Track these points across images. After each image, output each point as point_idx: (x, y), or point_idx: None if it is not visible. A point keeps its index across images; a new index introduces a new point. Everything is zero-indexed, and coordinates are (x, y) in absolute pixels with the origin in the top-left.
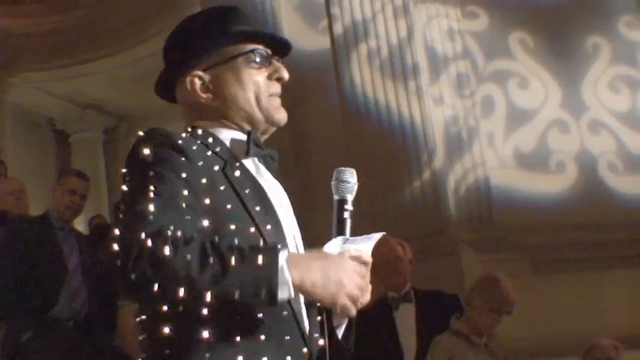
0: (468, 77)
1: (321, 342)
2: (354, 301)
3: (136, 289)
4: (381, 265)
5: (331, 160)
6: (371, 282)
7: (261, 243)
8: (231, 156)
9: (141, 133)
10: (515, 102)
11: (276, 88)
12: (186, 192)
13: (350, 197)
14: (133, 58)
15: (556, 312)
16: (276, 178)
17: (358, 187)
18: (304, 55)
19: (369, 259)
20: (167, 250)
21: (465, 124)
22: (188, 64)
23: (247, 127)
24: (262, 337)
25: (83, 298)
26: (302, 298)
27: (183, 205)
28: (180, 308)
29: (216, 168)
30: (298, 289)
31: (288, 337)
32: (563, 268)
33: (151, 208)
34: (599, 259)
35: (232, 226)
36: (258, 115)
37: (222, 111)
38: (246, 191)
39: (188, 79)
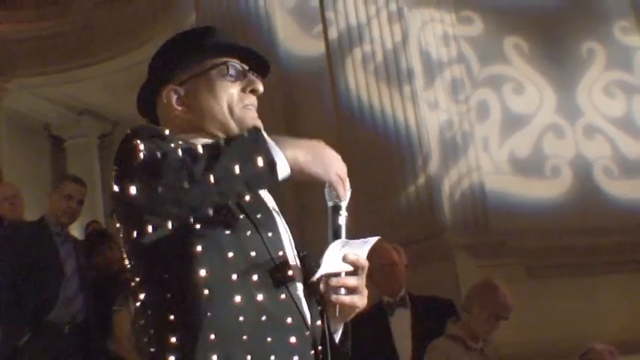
0: (463, 82)
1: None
2: (342, 179)
3: (144, 199)
4: (377, 270)
5: None
6: (366, 287)
7: (261, 242)
8: None
9: (129, 131)
10: (510, 107)
11: (251, 100)
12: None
13: (343, 204)
14: (127, 64)
15: (551, 317)
16: None
17: (353, 192)
18: (299, 59)
19: (365, 263)
20: (159, 153)
21: (460, 128)
22: (164, 79)
23: (223, 137)
24: (263, 317)
25: (79, 303)
26: (300, 288)
27: None
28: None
29: None
30: (293, 162)
31: (289, 320)
32: (558, 273)
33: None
34: (595, 264)
35: (227, 231)
36: (232, 124)
37: (197, 122)
38: (246, 198)
39: (164, 93)
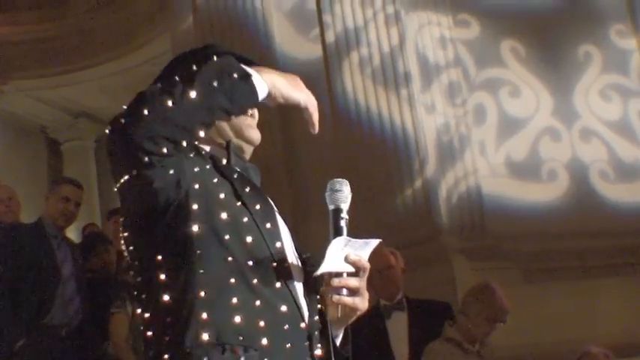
0: (460, 85)
1: (318, 352)
2: (314, 106)
3: (133, 127)
4: (374, 274)
5: (323, 168)
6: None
7: (256, 228)
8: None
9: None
10: (507, 110)
11: (252, 110)
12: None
13: (344, 206)
14: (122, 67)
15: (547, 320)
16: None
17: (350, 195)
18: (296, 62)
19: (367, 264)
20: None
21: (457, 132)
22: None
23: (221, 141)
24: (257, 302)
25: (76, 306)
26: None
27: None
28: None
29: (208, 166)
30: (271, 84)
31: (284, 308)
32: (554, 276)
33: None
34: (591, 267)
35: (224, 215)
36: (227, 130)
37: None
38: (246, 190)
39: None
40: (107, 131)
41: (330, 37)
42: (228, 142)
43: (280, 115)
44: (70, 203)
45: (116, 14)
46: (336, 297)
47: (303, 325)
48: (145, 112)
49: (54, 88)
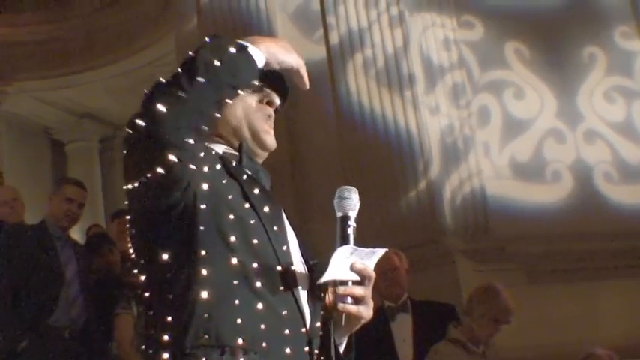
0: (464, 87)
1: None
2: (303, 67)
3: (147, 124)
4: (378, 275)
5: (327, 170)
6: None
7: (264, 233)
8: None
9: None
10: (511, 112)
11: (267, 110)
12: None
13: (353, 214)
14: (127, 68)
15: (551, 321)
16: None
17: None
18: None
19: (372, 274)
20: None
21: (461, 133)
22: None
23: (235, 143)
24: (259, 305)
25: (80, 307)
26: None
27: None
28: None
29: (218, 166)
30: (266, 51)
31: (284, 312)
32: (558, 278)
33: None
34: (595, 269)
35: (231, 216)
36: (245, 131)
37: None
38: (255, 192)
39: None
40: (127, 133)
41: (334, 38)
42: (241, 144)
43: (285, 116)
44: (73, 204)
45: (120, 15)
46: (340, 305)
47: (303, 329)
48: (163, 108)
49: (58, 90)
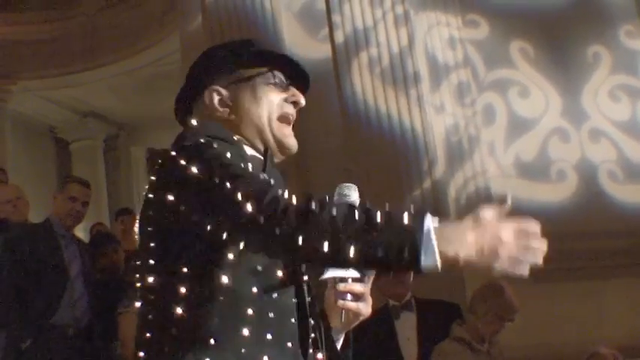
0: (469, 86)
1: (320, 356)
2: (516, 262)
3: (282, 242)
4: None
5: (332, 169)
6: (371, 292)
7: None
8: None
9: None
10: (516, 111)
11: (291, 109)
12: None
13: None
14: (131, 67)
15: (556, 320)
16: None
17: (359, 195)
18: (304, 63)
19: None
20: (314, 205)
21: (466, 132)
22: (208, 80)
23: (259, 146)
24: (268, 336)
25: (84, 306)
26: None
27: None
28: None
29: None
30: (453, 257)
31: (292, 320)
32: (563, 277)
33: (259, 174)
34: (600, 268)
35: None
36: (268, 134)
37: (235, 125)
38: None
39: (206, 92)
40: (258, 216)
41: (339, 37)
42: (267, 150)
43: None
44: (77, 203)
45: (125, 14)
46: (340, 302)
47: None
48: (300, 240)
49: (62, 88)
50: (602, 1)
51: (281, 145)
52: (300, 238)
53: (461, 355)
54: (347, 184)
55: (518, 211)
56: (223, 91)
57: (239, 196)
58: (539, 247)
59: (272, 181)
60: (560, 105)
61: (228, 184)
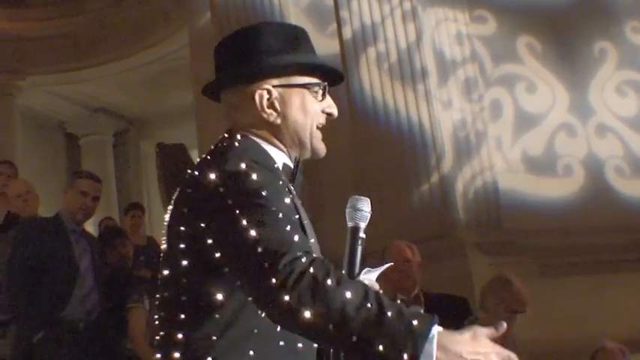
0: (476, 81)
1: None
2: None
3: (286, 311)
4: (391, 268)
5: (339, 163)
6: (380, 286)
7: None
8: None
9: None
10: (523, 106)
11: (324, 120)
12: (294, 212)
13: (363, 225)
14: (140, 63)
15: (563, 315)
16: None
17: (367, 191)
18: None
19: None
20: (330, 281)
21: (474, 127)
22: (261, 77)
23: (294, 153)
24: (281, 343)
25: (94, 300)
26: None
27: (298, 224)
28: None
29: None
30: None
31: (300, 344)
32: (570, 272)
33: (287, 227)
34: (606, 263)
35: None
36: (307, 142)
37: (277, 130)
38: (305, 222)
39: (258, 91)
40: (270, 280)
41: (347, 33)
42: (298, 162)
43: None
44: (87, 197)
45: (133, 10)
46: None
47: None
48: (307, 315)
49: (71, 84)
50: None
51: (315, 152)
52: (307, 314)
53: None
54: (361, 198)
55: (525, 207)
56: (274, 93)
57: (259, 249)
58: None
59: (296, 238)
60: (567, 100)
61: (253, 232)
